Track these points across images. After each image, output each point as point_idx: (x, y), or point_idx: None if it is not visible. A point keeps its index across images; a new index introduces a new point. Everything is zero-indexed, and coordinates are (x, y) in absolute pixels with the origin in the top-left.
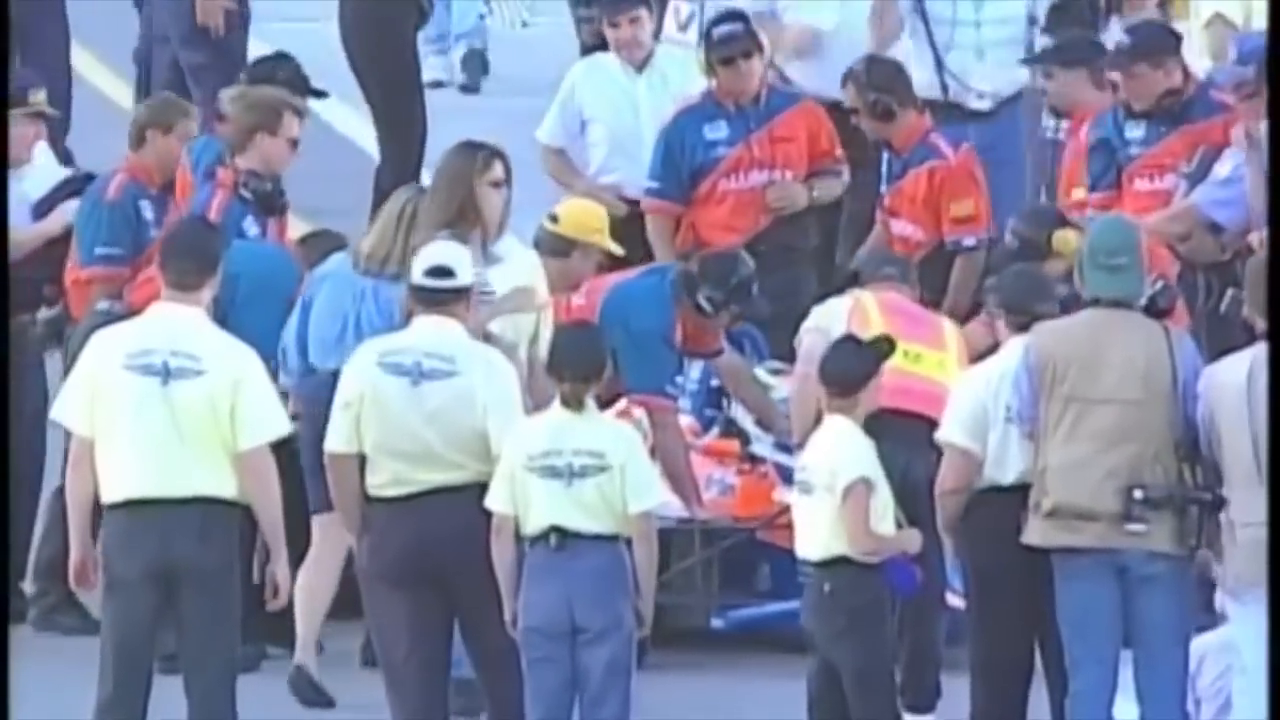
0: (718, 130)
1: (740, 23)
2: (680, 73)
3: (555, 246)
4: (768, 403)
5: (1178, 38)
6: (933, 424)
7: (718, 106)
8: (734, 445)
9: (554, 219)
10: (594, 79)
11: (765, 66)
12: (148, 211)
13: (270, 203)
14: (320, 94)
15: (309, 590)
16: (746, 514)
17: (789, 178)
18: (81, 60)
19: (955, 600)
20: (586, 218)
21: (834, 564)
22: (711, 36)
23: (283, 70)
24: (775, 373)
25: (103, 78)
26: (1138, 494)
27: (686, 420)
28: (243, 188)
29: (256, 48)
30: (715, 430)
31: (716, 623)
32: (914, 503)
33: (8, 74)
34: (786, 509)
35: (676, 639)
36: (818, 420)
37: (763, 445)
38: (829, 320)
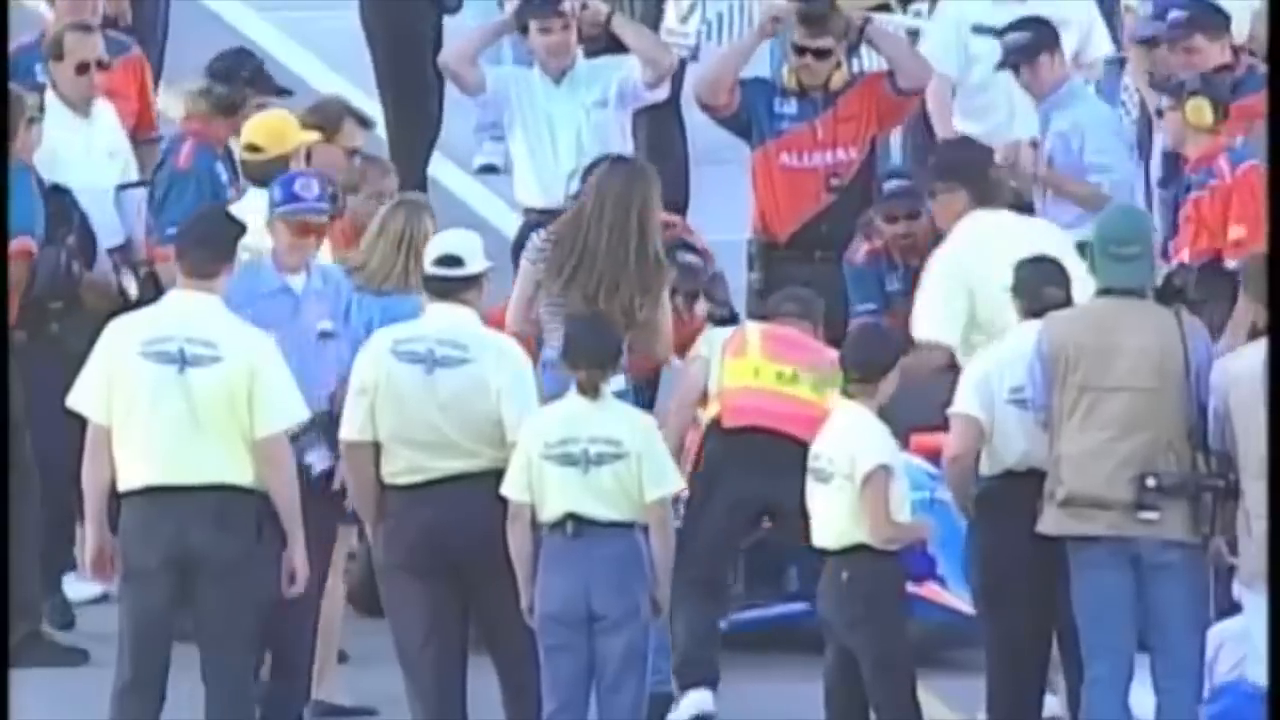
0: (787, 106)
1: (826, 6)
2: (591, 85)
3: (269, 171)
4: None
5: (1226, 16)
6: (799, 444)
7: (785, 87)
8: None
9: (254, 148)
10: (518, 90)
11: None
12: None
13: None
14: (286, 92)
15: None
16: None
17: (851, 154)
18: None
19: (960, 604)
20: (280, 127)
21: (852, 552)
22: (797, 14)
23: (247, 68)
24: None
25: None
26: (1150, 482)
27: None
28: None
29: (269, 35)
30: None
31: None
32: (778, 522)
33: (7, 74)
34: None
35: None
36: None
37: None
38: (709, 349)
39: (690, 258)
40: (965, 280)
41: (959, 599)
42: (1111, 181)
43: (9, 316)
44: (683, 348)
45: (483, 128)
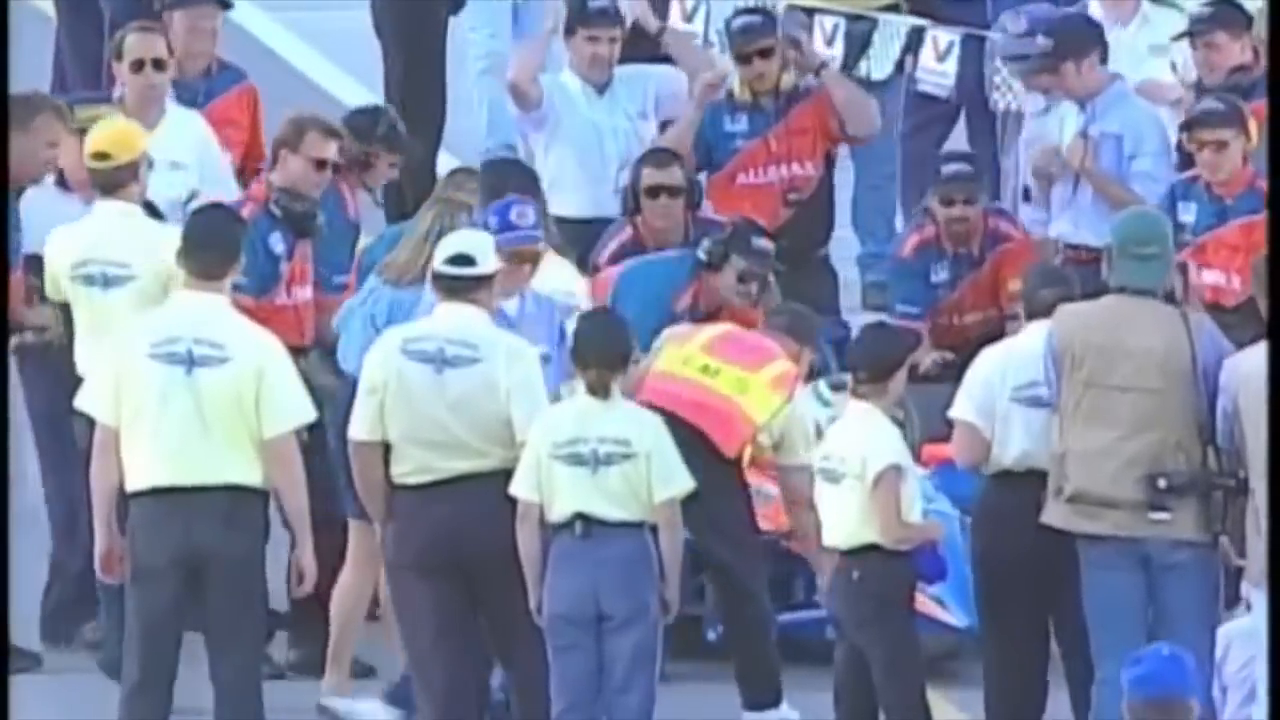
0: (738, 123)
1: (758, 15)
2: (632, 96)
3: (119, 178)
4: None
5: (1248, 16)
6: (700, 435)
7: (735, 101)
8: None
9: (102, 155)
10: (560, 100)
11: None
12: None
13: (300, 223)
14: (409, 147)
15: (343, 601)
16: (779, 525)
17: (808, 169)
18: None
19: (948, 617)
20: (127, 134)
21: (862, 552)
22: (730, 27)
23: (382, 125)
24: (836, 388)
25: None
26: (1161, 483)
27: None
28: (273, 204)
29: (279, 35)
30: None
31: (710, 635)
32: None
33: (7, 76)
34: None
35: (694, 650)
36: None
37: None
38: (659, 341)
39: (764, 242)
40: None
41: (953, 615)
42: (1156, 194)
43: (8, 315)
44: None
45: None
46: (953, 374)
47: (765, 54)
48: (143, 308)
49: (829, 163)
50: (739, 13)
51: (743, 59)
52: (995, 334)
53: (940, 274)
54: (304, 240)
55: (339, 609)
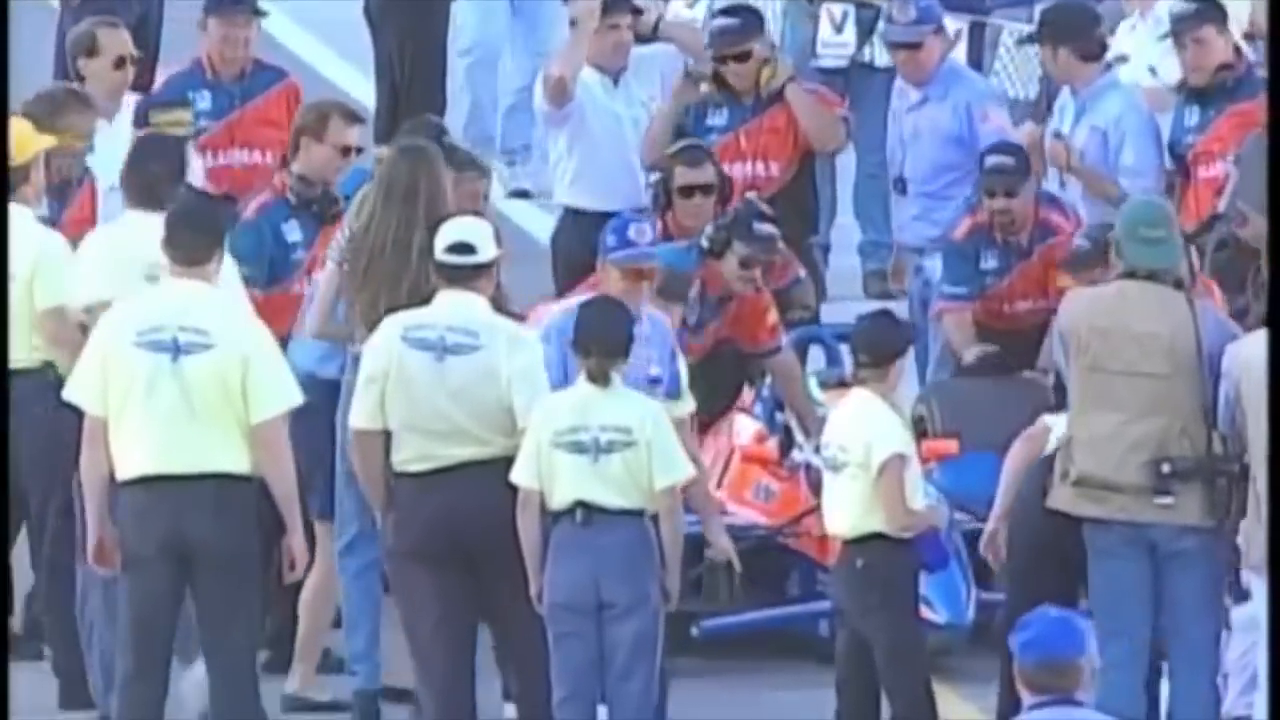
0: (718, 116)
1: (738, 17)
2: (643, 83)
3: (12, 180)
4: (810, 409)
5: (1225, 11)
6: None
7: (717, 94)
8: (773, 451)
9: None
10: (583, 93)
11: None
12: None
13: (321, 209)
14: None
15: (313, 601)
16: (778, 519)
17: (773, 170)
18: None
19: (931, 615)
20: (18, 138)
21: (866, 540)
22: (712, 29)
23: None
24: (825, 385)
25: None
26: (1165, 468)
27: (756, 425)
28: (289, 191)
29: (279, 23)
30: (776, 438)
31: (693, 631)
32: None
33: (7, 76)
34: (804, 515)
35: (685, 646)
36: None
37: (806, 452)
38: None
39: (766, 227)
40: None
41: (937, 612)
42: (1141, 189)
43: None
44: (754, 325)
45: (508, 151)
46: (992, 368)
47: (741, 59)
48: (20, 308)
49: (805, 164)
50: (719, 13)
51: (719, 60)
52: (1047, 323)
53: (990, 261)
54: (331, 226)
55: (307, 609)
